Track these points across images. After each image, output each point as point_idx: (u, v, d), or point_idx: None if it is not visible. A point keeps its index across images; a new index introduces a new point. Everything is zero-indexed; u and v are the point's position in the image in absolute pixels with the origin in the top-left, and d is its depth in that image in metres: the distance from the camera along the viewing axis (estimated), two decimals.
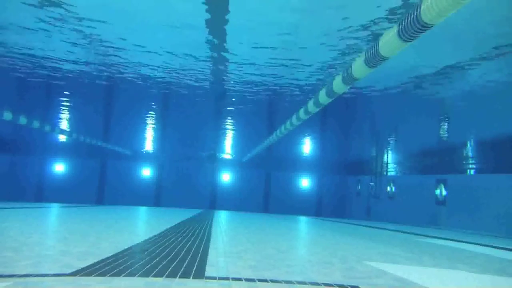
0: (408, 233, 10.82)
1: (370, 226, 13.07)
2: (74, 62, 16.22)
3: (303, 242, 7.98)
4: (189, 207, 19.56)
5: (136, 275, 3.39)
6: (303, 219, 16.19)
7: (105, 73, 17.58)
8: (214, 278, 3.47)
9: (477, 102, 13.15)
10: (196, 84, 17.80)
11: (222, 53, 13.60)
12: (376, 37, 10.92)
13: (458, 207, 13.48)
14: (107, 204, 19.77)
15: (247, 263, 4.38)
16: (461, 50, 11.91)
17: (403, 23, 3.91)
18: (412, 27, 3.76)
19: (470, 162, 13.29)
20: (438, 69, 13.66)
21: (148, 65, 15.78)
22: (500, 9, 9.42)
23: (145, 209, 16.72)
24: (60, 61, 16.07)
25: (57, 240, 5.77)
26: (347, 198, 21.89)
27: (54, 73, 17.93)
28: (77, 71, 17.46)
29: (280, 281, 3.53)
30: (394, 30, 4.16)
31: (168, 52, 14.00)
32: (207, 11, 10.48)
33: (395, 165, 17.75)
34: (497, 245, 8.31)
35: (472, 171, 13.24)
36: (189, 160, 21.66)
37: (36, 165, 20.82)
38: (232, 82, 17.16)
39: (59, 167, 21.23)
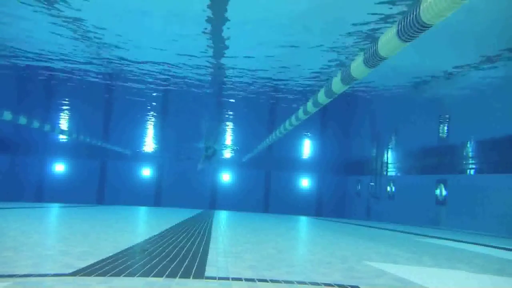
0: (408, 233, 10.82)
1: (370, 226, 13.07)
2: (74, 62, 16.20)
3: (303, 242, 7.98)
4: (189, 207, 19.56)
5: (136, 275, 3.39)
6: (303, 219, 16.19)
7: (105, 72, 17.57)
8: (214, 278, 3.47)
9: (477, 102, 13.15)
10: (196, 80, 17.78)
11: (223, 49, 13.57)
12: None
13: (458, 207, 13.48)
14: (107, 204, 19.78)
15: (247, 263, 4.39)
16: (461, 50, 11.90)
17: (403, 23, 3.90)
18: (412, 27, 3.76)
19: (470, 162, 13.29)
20: (438, 70, 13.64)
21: (147, 62, 15.75)
22: (500, 10, 9.42)
23: (145, 209, 16.72)
24: (60, 60, 16.05)
25: (57, 240, 5.77)
26: (347, 198, 21.88)
27: (54, 72, 17.92)
28: (77, 71, 17.44)
29: (280, 281, 3.53)
30: (393, 30, 4.15)
31: (167, 47, 13.93)
32: (208, 6, 10.41)
33: (395, 165, 17.75)
34: (497, 245, 8.31)
35: (472, 171, 13.24)
36: (189, 159, 21.64)
37: (36, 165, 20.81)
38: (232, 79, 17.13)
39: (59, 167, 21.23)
